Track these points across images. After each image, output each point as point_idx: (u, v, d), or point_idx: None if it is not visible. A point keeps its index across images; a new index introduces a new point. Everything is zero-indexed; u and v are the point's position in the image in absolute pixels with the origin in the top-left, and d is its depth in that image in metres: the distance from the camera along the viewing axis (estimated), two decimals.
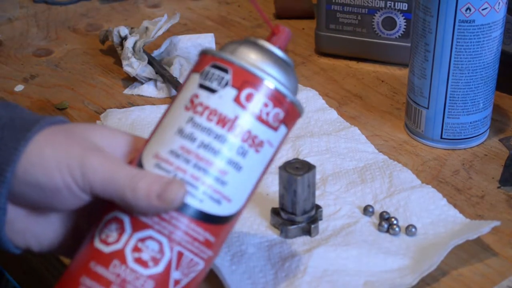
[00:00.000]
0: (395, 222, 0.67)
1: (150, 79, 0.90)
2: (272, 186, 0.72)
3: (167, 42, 0.96)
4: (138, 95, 0.90)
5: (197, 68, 0.52)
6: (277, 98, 0.51)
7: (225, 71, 0.51)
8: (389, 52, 0.94)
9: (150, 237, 0.49)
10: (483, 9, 0.72)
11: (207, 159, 0.50)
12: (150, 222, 0.49)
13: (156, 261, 0.49)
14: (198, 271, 0.51)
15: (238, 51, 0.51)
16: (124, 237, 0.49)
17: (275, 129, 0.51)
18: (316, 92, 0.88)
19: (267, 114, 0.51)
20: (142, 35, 0.91)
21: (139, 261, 0.49)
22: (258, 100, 0.50)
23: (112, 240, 0.49)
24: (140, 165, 0.51)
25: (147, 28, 0.92)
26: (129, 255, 0.49)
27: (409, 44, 0.80)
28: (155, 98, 0.89)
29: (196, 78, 0.52)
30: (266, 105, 0.51)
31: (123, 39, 0.93)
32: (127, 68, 0.89)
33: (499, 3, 0.73)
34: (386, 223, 0.67)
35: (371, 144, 0.79)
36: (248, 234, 0.67)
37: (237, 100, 0.50)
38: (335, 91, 0.90)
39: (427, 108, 0.78)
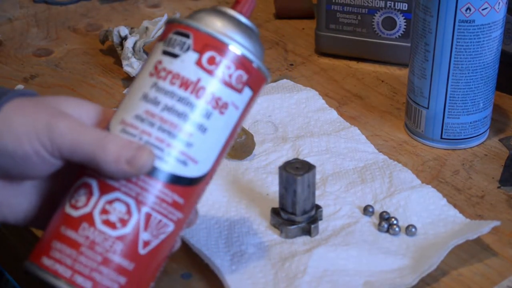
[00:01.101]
0: (395, 222, 0.67)
1: None
2: (272, 186, 0.72)
3: None
4: None
5: (161, 36, 0.54)
6: (239, 60, 0.52)
7: (187, 36, 0.52)
8: (389, 52, 0.94)
9: (117, 199, 0.50)
10: (483, 9, 0.72)
11: (171, 121, 0.51)
12: (117, 185, 0.50)
13: (123, 222, 0.50)
14: (168, 233, 0.52)
15: (201, 17, 0.53)
16: (92, 200, 0.50)
17: (239, 91, 0.53)
18: (316, 92, 0.88)
19: (230, 76, 0.52)
20: (142, 35, 0.91)
21: (107, 222, 0.50)
22: (220, 63, 0.52)
23: (81, 204, 0.50)
24: (108, 129, 0.52)
25: (147, 28, 0.92)
26: (97, 217, 0.50)
27: (409, 44, 0.80)
28: None
29: (160, 46, 0.53)
30: (228, 67, 0.52)
31: (123, 39, 0.93)
32: (127, 68, 0.89)
33: (499, 3, 0.73)
34: (386, 223, 0.67)
35: (371, 144, 0.79)
36: (248, 234, 0.67)
37: (198, 63, 0.51)
38: (335, 91, 0.90)
39: (427, 108, 0.78)
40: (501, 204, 0.71)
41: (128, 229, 0.50)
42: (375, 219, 0.69)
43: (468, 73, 0.75)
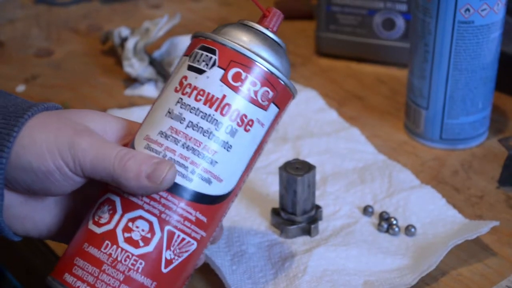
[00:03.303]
0: (394, 222, 0.67)
1: (150, 80, 0.91)
2: (272, 186, 0.72)
3: (168, 42, 0.96)
4: (139, 95, 0.90)
5: (187, 51, 0.53)
6: (265, 76, 0.51)
7: (212, 51, 0.51)
8: (389, 53, 0.94)
9: (140, 217, 0.49)
10: (482, 10, 0.73)
11: (196, 138, 0.50)
12: (140, 202, 0.50)
13: (146, 240, 0.49)
14: (191, 251, 0.51)
15: (227, 32, 0.52)
16: (115, 217, 0.50)
17: (265, 108, 0.52)
18: (316, 92, 0.88)
19: (255, 93, 0.51)
20: (142, 36, 0.91)
21: (130, 240, 0.49)
22: (246, 79, 0.51)
23: (104, 221, 0.50)
24: (132, 148, 0.51)
25: (147, 29, 0.92)
26: (120, 235, 0.49)
27: (408, 45, 0.81)
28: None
29: (185, 61, 0.52)
30: (254, 83, 0.51)
31: (124, 40, 0.93)
32: (128, 69, 0.89)
33: (498, 4, 0.73)
34: (386, 223, 0.68)
35: (371, 145, 0.80)
36: (248, 234, 0.67)
37: (224, 79, 0.50)
38: (335, 91, 0.91)
39: (427, 109, 0.78)
40: (500, 204, 0.72)
41: (150, 248, 0.49)
42: (374, 219, 0.69)
43: (467, 73, 0.75)
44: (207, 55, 0.51)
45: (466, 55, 0.74)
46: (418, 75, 0.78)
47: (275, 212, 0.68)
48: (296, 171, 0.65)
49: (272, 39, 0.53)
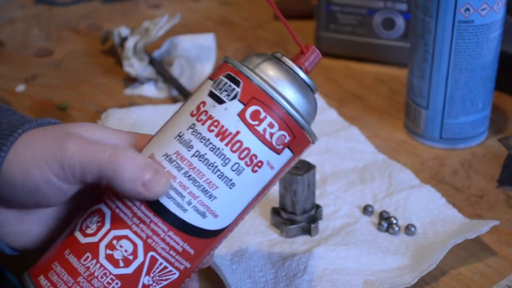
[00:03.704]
0: (394, 221, 0.67)
1: (150, 79, 0.91)
2: None
3: (168, 42, 0.96)
4: (139, 95, 0.90)
5: (213, 75, 0.51)
6: (284, 120, 0.49)
7: (237, 83, 0.49)
8: (389, 53, 0.94)
9: (126, 237, 0.48)
10: (482, 10, 0.73)
11: (199, 169, 0.48)
12: (130, 222, 0.48)
13: (127, 262, 0.48)
14: (171, 280, 0.49)
15: (257, 64, 0.50)
16: (102, 231, 0.48)
17: (278, 152, 0.49)
18: (316, 92, 0.88)
19: (271, 135, 0.49)
20: (142, 36, 0.91)
21: (111, 258, 0.48)
22: (264, 120, 0.48)
23: (90, 232, 0.49)
24: None
25: (147, 28, 0.92)
26: (102, 251, 0.48)
27: (408, 45, 0.81)
28: (156, 98, 0.89)
29: (208, 85, 0.50)
30: (271, 125, 0.49)
31: (124, 39, 0.93)
32: (127, 69, 0.90)
33: (498, 3, 0.73)
34: (386, 222, 0.68)
35: (371, 144, 0.80)
36: (248, 233, 0.67)
37: (241, 115, 0.48)
38: (335, 91, 0.91)
39: (426, 108, 0.78)
40: (500, 204, 0.72)
41: (130, 270, 0.48)
42: (374, 219, 0.69)
43: (467, 73, 0.75)
44: (230, 86, 0.49)
45: (466, 55, 0.74)
46: (418, 75, 0.78)
47: (275, 211, 0.68)
48: (296, 171, 0.65)
49: (303, 80, 0.51)
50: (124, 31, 0.94)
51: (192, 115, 0.50)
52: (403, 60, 0.91)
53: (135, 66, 0.89)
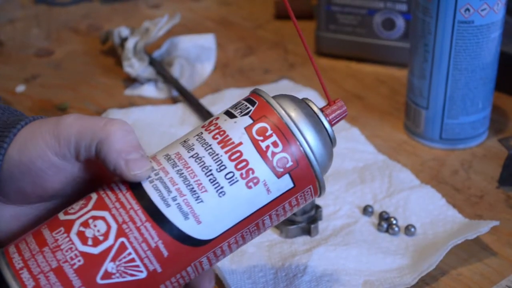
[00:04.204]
0: (394, 222, 0.67)
1: (150, 80, 0.91)
2: None
3: (168, 42, 0.96)
4: (139, 95, 0.90)
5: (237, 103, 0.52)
6: (290, 143, 0.49)
7: (253, 103, 0.50)
8: (389, 53, 0.94)
9: (103, 218, 0.47)
10: (482, 10, 0.73)
11: (193, 170, 0.48)
12: (111, 205, 0.48)
13: (96, 241, 0.47)
14: (135, 278, 0.47)
15: (281, 99, 0.51)
16: (82, 211, 0.48)
17: (278, 175, 0.48)
18: (316, 92, 0.88)
19: (273, 154, 0.48)
20: (142, 36, 0.91)
21: (81, 235, 0.47)
22: (269, 137, 0.48)
23: (72, 211, 0.49)
24: None
25: (147, 28, 0.92)
26: (76, 227, 0.48)
27: (408, 45, 0.81)
28: (156, 99, 0.89)
29: (228, 107, 0.52)
30: (275, 144, 0.48)
31: (124, 39, 0.93)
32: (127, 69, 0.90)
33: (498, 4, 0.73)
34: (386, 223, 0.68)
35: (371, 144, 0.80)
36: None
37: (248, 128, 0.49)
38: (335, 91, 0.91)
39: (427, 109, 0.78)
40: (500, 204, 0.72)
41: (96, 250, 0.47)
42: (374, 219, 0.69)
43: (467, 73, 0.75)
44: (246, 105, 0.50)
45: (466, 55, 0.74)
46: (418, 75, 0.78)
47: None
48: None
49: (322, 124, 0.51)
50: (124, 31, 0.94)
51: (202, 127, 0.51)
52: (403, 60, 0.91)
53: (135, 66, 0.89)
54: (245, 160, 0.48)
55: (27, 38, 1.03)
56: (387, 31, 0.93)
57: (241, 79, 0.93)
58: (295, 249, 0.65)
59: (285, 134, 0.49)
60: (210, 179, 0.48)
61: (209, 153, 0.48)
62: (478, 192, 0.73)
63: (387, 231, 0.68)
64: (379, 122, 0.84)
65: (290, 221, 0.67)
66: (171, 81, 0.88)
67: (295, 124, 0.49)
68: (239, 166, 0.48)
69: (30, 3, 1.13)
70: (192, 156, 0.49)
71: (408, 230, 0.67)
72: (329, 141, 0.51)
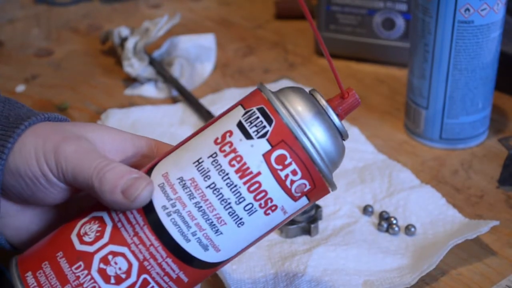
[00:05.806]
0: (394, 221, 0.67)
1: (150, 80, 0.91)
2: None
3: (168, 42, 0.96)
4: (139, 95, 0.90)
5: (246, 102, 0.49)
6: (309, 170, 0.47)
7: (269, 121, 0.47)
8: (389, 53, 0.94)
9: (123, 255, 0.47)
10: (482, 10, 0.73)
11: (212, 203, 0.47)
12: (130, 241, 0.47)
13: (119, 280, 0.47)
14: None
15: (294, 102, 0.48)
16: (100, 243, 0.47)
17: (295, 199, 0.48)
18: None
19: (292, 182, 0.47)
20: (142, 36, 0.91)
21: (103, 273, 0.47)
22: (288, 165, 0.47)
23: (88, 240, 0.48)
24: (149, 173, 0.49)
25: (147, 28, 0.92)
26: (96, 263, 0.47)
27: (408, 45, 0.81)
28: (156, 99, 0.89)
29: (239, 113, 0.48)
30: (294, 172, 0.47)
31: (124, 39, 0.93)
32: (127, 69, 0.90)
33: (498, 3, 0.73)
34: (386, 222, 0.68)
35: (371, 144, 0.80)
36: None
37: (266, 156, 0.47)
38: (335, 91, 0.90)
39: (427, 108, 0.78)
40: (500, 204, 0.72)
41: None
42: (374, 219, 0.69)
43: (467, 73, 0.75)
44: (261, 122, 0.47)
45: (466, 55, 0.74)
46: (418, 75, 0.78)
47: None
48: None
49: (337, 128, 0.50)
50: (124, 31, 0.94)
51: (216, 142, 0.48)
52: (403, 60, 0.91)
53: (135, 66, 0.89)
54: (264, 191, 0.47)
55: (27, 38, 1.03)
56: (387, 31, 0.93)
57: (241, 79, 0.93)
58: (295, 249, 0.65)
59: (305, 162, 0.47)
60: (229, 212, 0.47)
61: (227, 184, 0.47)
62: (478, 192, 0.73)
63: (387, 231, 0.68)
64: (379, 122, 0.84)
65: (290, 221, 0.67)
66: (171, 81, 0.88)
67: (315, 149, 0.47)
68: (258, 197, 0.47)
69: (30, 3, 1.13)
70: (209, 187, 0.47)
71: (408, 230, 0.67)
72: (341, 138, 0.50)
